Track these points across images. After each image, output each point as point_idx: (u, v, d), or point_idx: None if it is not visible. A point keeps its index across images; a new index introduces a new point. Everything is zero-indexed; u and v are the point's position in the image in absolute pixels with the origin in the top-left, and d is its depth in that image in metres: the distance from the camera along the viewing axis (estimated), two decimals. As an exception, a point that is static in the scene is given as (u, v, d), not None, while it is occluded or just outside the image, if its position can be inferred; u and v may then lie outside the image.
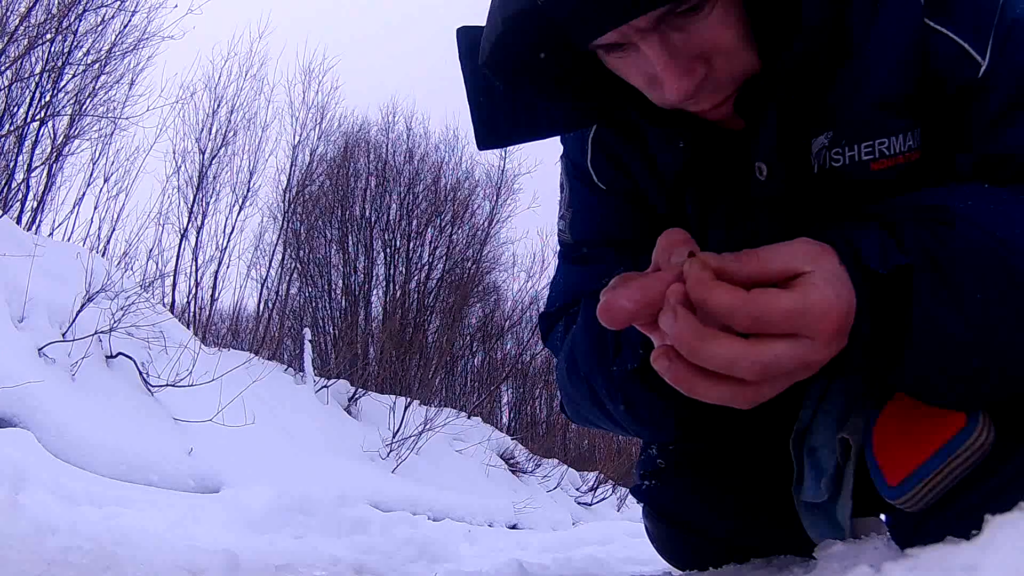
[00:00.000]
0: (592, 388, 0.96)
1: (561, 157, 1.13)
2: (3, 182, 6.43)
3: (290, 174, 9.99)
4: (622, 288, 0.65)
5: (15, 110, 6.48)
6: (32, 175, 6.76)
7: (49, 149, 6.87)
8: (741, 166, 0.85)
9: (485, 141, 0.93)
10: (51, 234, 6.85)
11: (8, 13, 5.97)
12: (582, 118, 0.94)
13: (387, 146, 12.38)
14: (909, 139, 0.80)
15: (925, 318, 0.66)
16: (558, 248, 1.17)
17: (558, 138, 1.11)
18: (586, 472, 10.68)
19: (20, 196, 6.68)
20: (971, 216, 0.69)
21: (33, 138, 6.71)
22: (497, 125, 0.92)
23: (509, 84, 0.84)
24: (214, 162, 8.82)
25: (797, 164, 0.83)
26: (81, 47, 6.97)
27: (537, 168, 12.60)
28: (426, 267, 11.95)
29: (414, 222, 12.05)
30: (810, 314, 0.60)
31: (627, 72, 0.79)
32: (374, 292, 11.67)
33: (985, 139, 0.79)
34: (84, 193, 7.34)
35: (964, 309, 0.66)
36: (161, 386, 4.45)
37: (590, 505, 9.49)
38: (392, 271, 11.80)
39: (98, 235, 7.42)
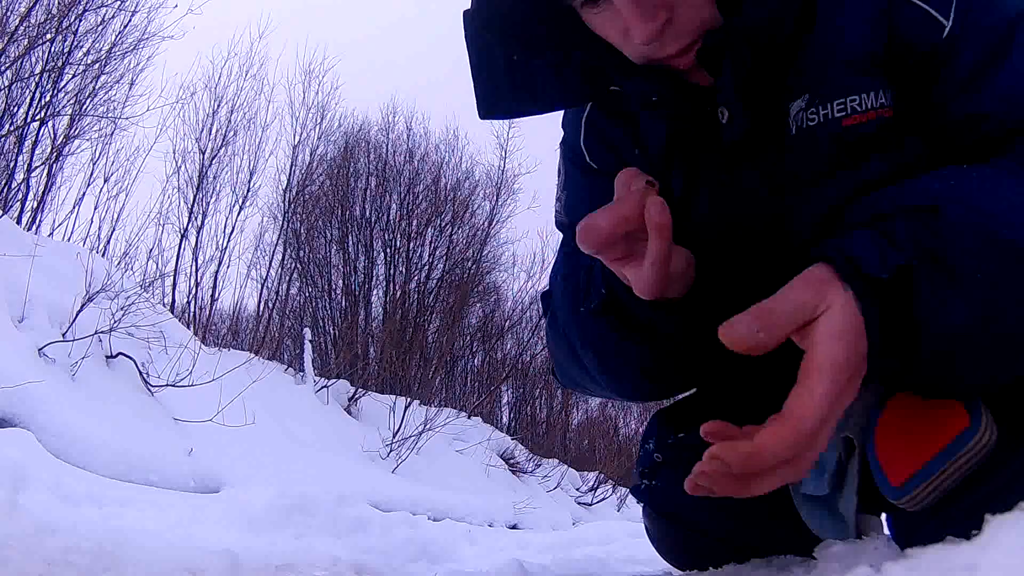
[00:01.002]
0: (570, 342, 0.99)
1: (560, 143, 1.16)
2: (3, 182, 6.43)
3: (290, 174, 10.00)
4: (598, 212, 0.73)
5: (15, 110, 6.48)
6: (32, 175, 6.76)
7: (49, 149, 6.87)
8: (712, 120, 0.88)
9: (486, 111, 0.97)
10: (51, 234, 6.85)
11: (8, 13, 5.97)
12: (577, 95, 0.98)
13: (387, 146, 12.38)
14: (881, 97, 0.83)
15: (929, 311, 0.67)
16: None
17: (559, 133, 1.13)
18: (586, 472, 10.69)
19: (20, 196, 6.68)
20: (956, 197, 0.70)
21: (33, 138, 6.71)
22: (498, 96, 0.96)
23: (500, 43, 0.90)
24: (214, 162, 8.82)
25: (775, 128, 0.87)
26: (81, 47, 6.98)
27: (537, 168, 12.61)
28: (426, 267, 11.95)
29: (414, 222, 12.06)
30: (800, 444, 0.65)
31: (604, 28, 0.84)
32: (374, 292, 11.68)
33: (955, 101, 0.82)
34: (84, 193, 7.35)
35: (965, 292, 0.67)
36: (161, 386, 4.45)
37: (590, 505, 9.49)
38: (392, 271, 11.80)
39: (98, 235, 7.43)
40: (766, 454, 0.64)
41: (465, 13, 0.95)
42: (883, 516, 0.97)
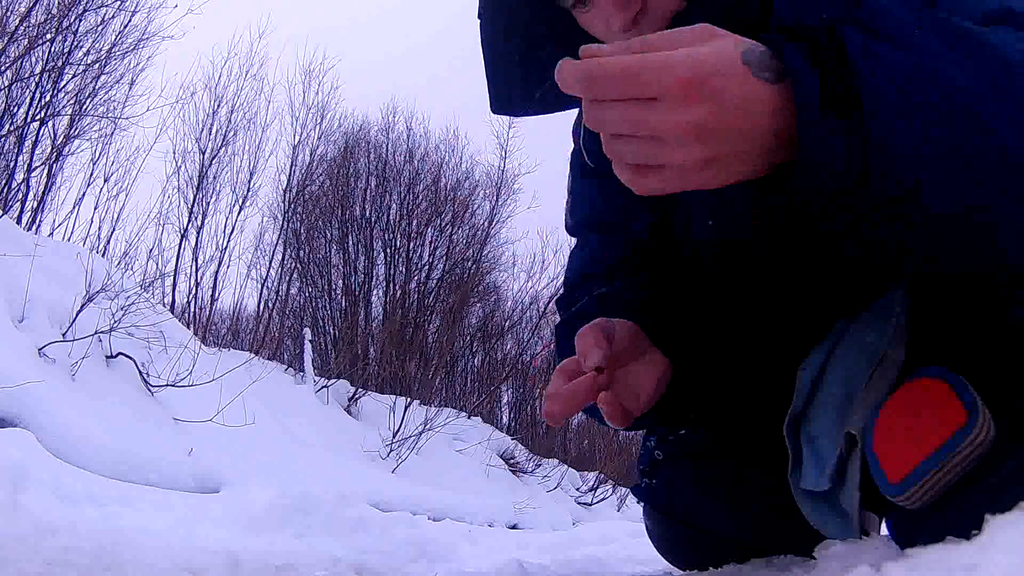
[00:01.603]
0: None
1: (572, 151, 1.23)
2: (3, 182, 6.43)
3: (290, 174, 9.99)
4: (554, 398, 0.87)
5: (15, 110, 6.48)
6: (32, 175, 6.75)
7: (49, 149, 6.87)
8: None
9: (499, 107, 1.04)
10: (51, 234, 6.84)
11: (8, 13, 5.97)
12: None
13: (387, 146, 12.37)
14: None
15: (864, 60, 0.62)
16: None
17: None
18: (586, 472, 10.68)
19: (20, 196, 6.67)
20: None
21: (33, 138, 6.70)
22: (510, 93, 1.03)
23: (506, 40, 0.98)
24: (214, 162, 8.81)
25: None
26: (81, 47, 6.96)
27: (537, 168, 12.61)
28: (426, 267, 11.95)
29: (414, 222, 12.05)
30: (647, 70, 0.59)
31: (592, 25, 0.92)
32: (374, 292, 11.67)
33: None
34: (84, 193, 7.34)
35: (897, 46, 0.64)
36: (161, 386, 4.45)
37: (590, 505, 9.49)
38: (392, 271, 11.79)
39: (98, 235, 7.42)
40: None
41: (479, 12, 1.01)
42: (883, 519, 0.97)
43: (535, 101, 1.03)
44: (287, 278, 10.22)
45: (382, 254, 11.85)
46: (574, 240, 1.27)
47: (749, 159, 0.62)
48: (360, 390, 7.79)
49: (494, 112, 1.06)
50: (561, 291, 1.26)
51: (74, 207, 7.19)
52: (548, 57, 0.98)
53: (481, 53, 1.02)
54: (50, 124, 6.82)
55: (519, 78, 1.02)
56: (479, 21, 1.02)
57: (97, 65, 7.12)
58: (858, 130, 0.60)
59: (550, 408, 0.88)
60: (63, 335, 4.05)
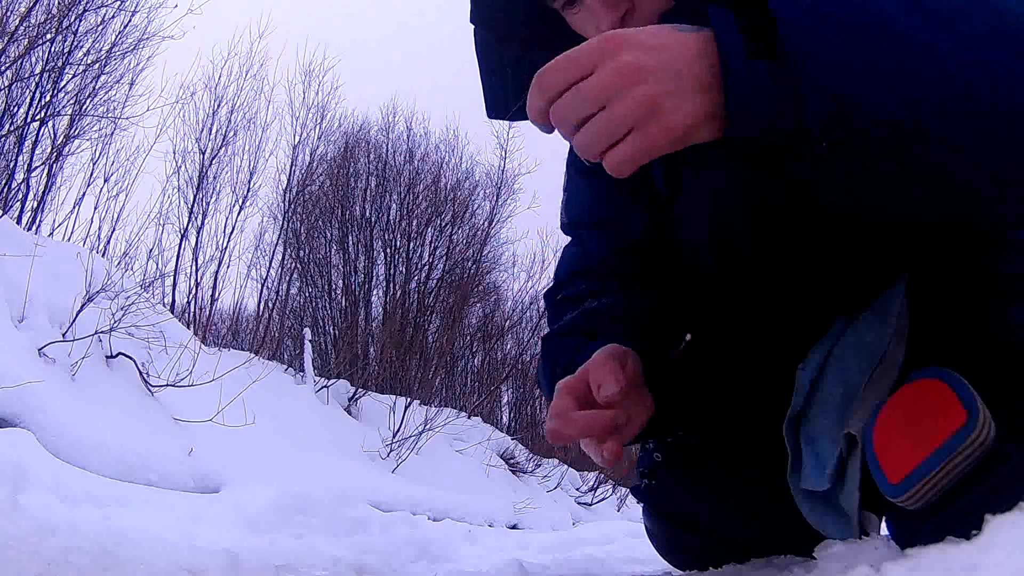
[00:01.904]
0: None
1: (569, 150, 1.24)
2: (3, 182, 6.42)
3: (290, 174, 9.98)
4: (565, 421, 0.90)
5: (15, 110, 6.47)
6: (32, 175, 6.75)
7: (49, 149, 6.86)
8: None
9: (494, 112, 1.07)
10: (51, 234, 6.83)
11: (8, 13, 5.96)
12: None
13: (387, 146, 12.36)
14: None
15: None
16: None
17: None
18: (586, 472, 10.67)
19: (20, 196, 6.67)
20: None
21: (33, 138, 6.70)
22: (505, 98, 1.05)
23: (498, 42, 1.01)
24: (214, 162, 8.80)
25: None
26: (81, 47, 6.96)
27: (537, 168, 12.60)
28: (426, 267, 11.94)
29: (414, 222, 12.05)
30: (576, 52, 0.67)
31: (582, 26, 0.94)
32: (374, 292, 11.66)
33: None
34: (84, 193, 7.33)
35: None
36: (161, 386, 4.44)
37: (590, 505, 9.49)
38: (392, 271, 11.79)
39: (98, 235, 7.40)
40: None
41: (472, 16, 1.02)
42: (883, 519, 0.97)
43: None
44: (287, 278, 10.21)
45: (382, 254, 11.85)
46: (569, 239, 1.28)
47: (689, 97, 0.65)
48: (360, 390, 7.78)
49: (489, 118, 1.08)
50: (551, 284, 1.28)
51: (74, 207, 7.19)
52: (541, 62, 0.98)
53: (476, 58, 1.04)
54: (50, 124, 6.82)
55: (513, 84, 1.03)
56: (472, 27, 1.03)
57: (97, 65, 7.12)
58: (785, 69, 0.64)
59: (559, 430, 0.90)
60: (63, 335, 4.04)
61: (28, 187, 6.70)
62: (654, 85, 0.64)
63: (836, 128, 0.64)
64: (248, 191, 9.12)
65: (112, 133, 7.41)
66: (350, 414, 7.40)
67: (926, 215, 0.76)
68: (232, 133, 9.03)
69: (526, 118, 1.10)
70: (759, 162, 0.69)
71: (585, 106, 0.67)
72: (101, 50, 7.16)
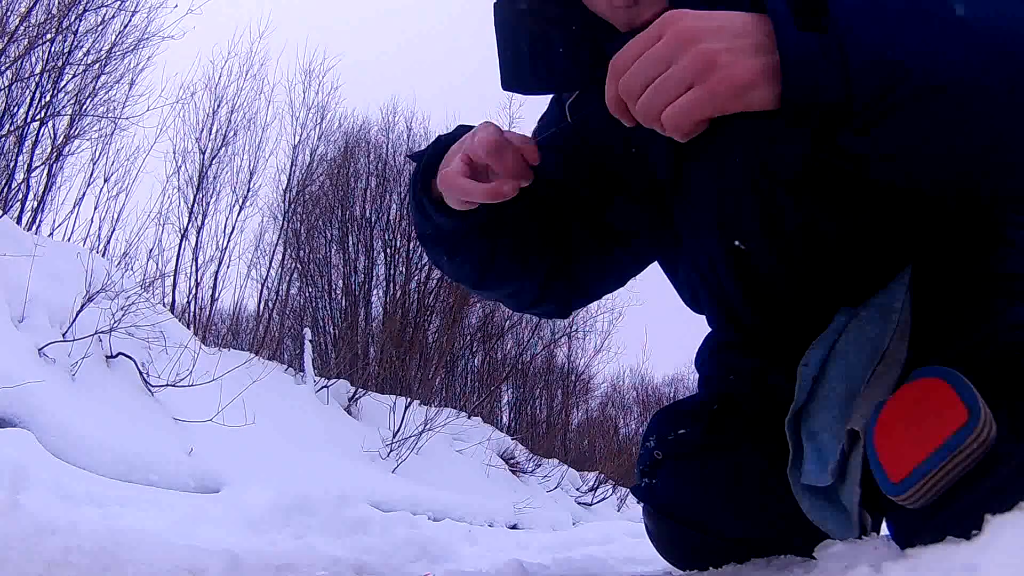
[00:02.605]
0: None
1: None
2: (3, 182, 6.42)
3: (290, 174, 9.99)
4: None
5: (15, 110, 6.47)
6: (32, 175, 6.75)
7: (49, 149, 6.86)
8: None
9: (509, 84, 1.09)
10: (51, 234, 6.83)
11: (8, 13, 5.96)
12: (587, 76, 1.07)
13: (387, 146, 12.37)
14: None
15: None
16: None
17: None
18: (586, 472, 10.69)
19: (20, 196, 6.67)
20: None
21: (33, 138, 6.70)
22: (519, 71, 1.08)
23: (517, 18, 1.04)
24: (214, 162, 8.81)
25: None
26: (81, 47, 6.96)
27: (537, 168, 12.54)
28: (426, 267, 11.92)
29: (414, 222, 12.04)
30: (643, 34, 0.72)
31: (597, 5, 0.97)
32: (374, 292, 11.66)
33: None
34: (84, 193, 7.33)
35: None
36: (161, 386, 4.45)
37: (590, 505, 9.49)
38: (392, 271, 11.79)
39: (98, 235, 7.41)
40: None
41: None
42: (883, 521, 0.97)
43: (543, 80, 1.08)
44: (287, 278, 10.22)
45: (382, 254, 11.85)
46: None
47: (748, 55, 0.69)
48: (360, 390, 7.78)
49: (504, 89, 1.09)
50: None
51: (74, 207, 7.19)
52: (557, 38, 1.04)
53: (494, 33, 1.07)
54: (50, 124, 6.82)
55: (528, 58, 1.06)
56: (494, 5, 1.06)
57: (97, 65, 7.12)
58: (835, 41, 0.68)
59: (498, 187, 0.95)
60: (63, 335, 4.05)
61: (28, 187, 6.70)
62: (714, 42, 0.69)
63: (886, 95, 0.68)
64: (248, 191, 9.14)
65: (112, 133, 7.42)
66: (350, 414, 7.40)
67: (967, 178, 0.80)
68: (232, 133, 9.04)
69: (538, 91, 1.14)
70: (812, 132, 0.73)
71: (650, 70, 0.71)
72: (101, 50, 7.17)
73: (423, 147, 1.13)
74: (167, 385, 4.46)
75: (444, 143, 1.07)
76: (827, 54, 0.68)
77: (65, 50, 6.73)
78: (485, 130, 0.97)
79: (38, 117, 6.61)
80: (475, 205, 0.99)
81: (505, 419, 13.57)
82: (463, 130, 1.06)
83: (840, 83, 0.68)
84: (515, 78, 1.08)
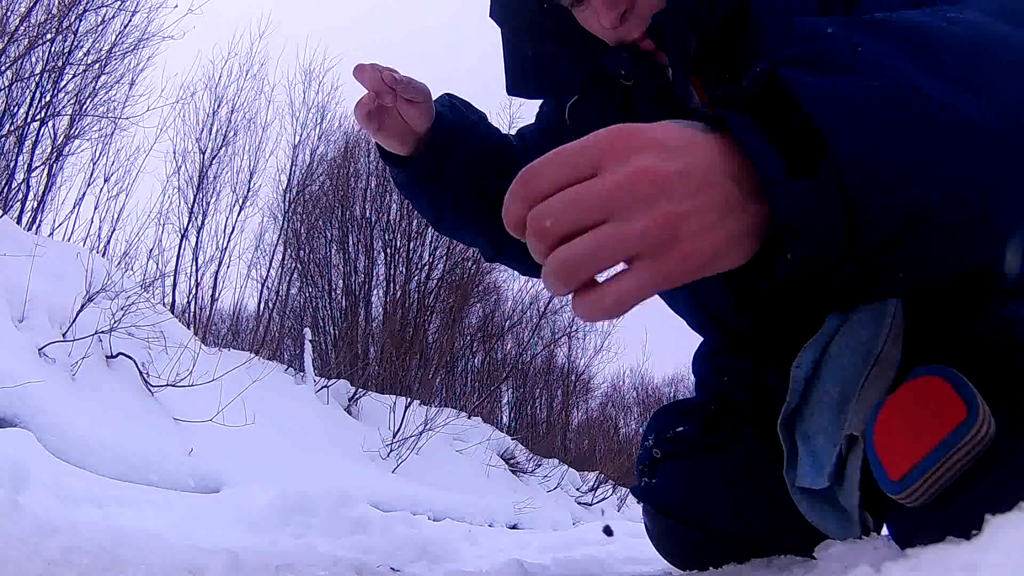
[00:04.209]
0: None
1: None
2: (3, 182, 6.42)
3: (290, 174, 10.00)
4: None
5: (15, 110, 6.47)
6: (32, 175, 6.75)
7: (49, 149, 6.87)
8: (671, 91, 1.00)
9: (513, 89, 1.14)
10: (51, 234, 6.84)
11: (8, 13, 5.96)
12: (585, 84, 1.11)
13: (387, 146, 12.35)
14: None
15: (815, 96, 0.55)
16: None
17: None
18: (586, 472, 10.69)
19: (20, 196, 6.67)
20: (812, 23, 0.62)
21: (33, 138, 6.70)
22: (524, 77, 1.13)
23: (515, 35, 1.09)
24: (214, 162, 8.81)
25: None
26: (81, 47, 6.97)
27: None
28: (426, 267, 11.94)
29: (414, 222, 12.04)
30: (578, 147, 0.53)
31: (588, 22, 1.00)
32: (374, 292, 11.67)
33: None
34: (84, 193, 7.34)
35: (849, 68, 0.57)
36: (161, 386, 4.45)
37: (590, 505, 9.49)
38: (392, 271, 11.79)
39: (98, 235, 7.42)
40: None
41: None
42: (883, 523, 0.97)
43: (546, 86, 1.14)
44: (287, 278, 10.22)
45: (382, 254, 11.85)
46: None
47: (717, 219, 0.53)
48: (360, 390, 7.79)
49: (509, 94, 1.15)
50: None
51: (74, 207, 7.20)
52: (556, 48, 1.08)
53: (500, 40, 1.12)
54: (50, 124, 6.82)
55: (532, 64, 1.11)
56: (492, 20, 1.11)
57: (97, 65, 7.12)
58: (837, 188, 0.55)
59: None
60: (63, 335, 4.05)
61: (28, 187, 6.71)
62: (678, 201, 0.52)
63: (899, 237, 0.58)
64: (248, 191, 9.14)
65: (112, 133, 7.43)
66: (350, 414, 7.40)
67: (972, 265, 0.75)
68: (232, 133, 9.05)
69: (541, 96, 1.19)
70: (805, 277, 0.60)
71: (581, 215, 0.52)
72: (101, 50, 7.17)
73: None
74: (167, 385, 4.46)
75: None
76: (829, 206, 0.55)
77: (65, 50, 6.74)
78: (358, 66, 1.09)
79: (38, 117, 6.61)
80: (404, 150, 1.17)
81: (505, 419, 13.59)
82: (450, 97, 1.23)
83: (843, 236, 0.56)
84: (519, 83, 1.13)
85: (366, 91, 1.10)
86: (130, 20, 7.40)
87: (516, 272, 1.44)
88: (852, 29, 0.61)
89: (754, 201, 0.55)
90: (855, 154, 0.54)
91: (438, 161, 1.20)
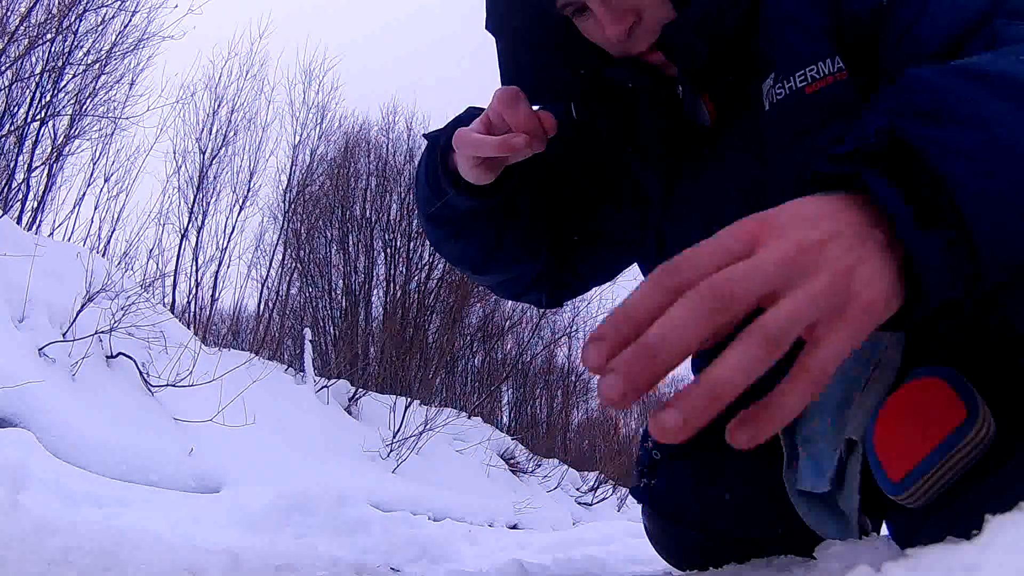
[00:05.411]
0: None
1: None
2: (3, 182, 6.43)
3: (290, 174, 10.00)
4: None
5: (15, 110, 6.48)
6: (32, 175, 6.76)
7: (49, 149, 6.87)
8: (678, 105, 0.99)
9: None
10: (51, 234, 6.85)
11: (8, 13, 5.97)
12: (586, 92, 1.08)
13: (387, 146, 12.37)
14: (838, 62, 0.87)
15: (937, 149, 0.56)
16: None
17: None
18: (586, 472, 10.69)
19: (20, 196, 6.68)
20: (920, 72, 0.64)
21: (33, 138, 6.71)
22: (521, 85, 1.05)
23: (514, 45, 1.04)
24: (214, 162, 8.82)
25: (751, 107, 0.94)
26: (81, 47, 6.97)
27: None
28: (426, 267, 11.94)
29: (414, 222, 12.05)
30: (701, 247, 0.51)
31: (591, 33, 0.97)
32: (374, 292, 11.67)
33: (894, 58, 0.83)
34: (84, 193, 7.35)
35: (964, 120, 0.59)
36: (161, 386, 4.45)
37: (590, 505, 9.49)
38: (392, 271, 11.79)
39: (98, 235, 7.43)
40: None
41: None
42: (883, 523, 0.97)
43: (547, 91, 1.09)
44: (287, 278, 10.22)
45: (382, 254, 11.86)
46: None
47: (880, 262, 0.53)
48: (360, 390, 7.79)
49: None
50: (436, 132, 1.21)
51: (74, 207, 7.21)
52: (555, 57, 1.05)
53: (498, 59, 1.08)
54: (50, 124, 6.82)
55: (530, 71, 1.07)
56: (489, 32, 1.06)
57: (97, 65, 7.12)
58: (961, 235, 0.55)
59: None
60: (63, 335, 4.05)
61: (28, 187, 6.71)
62: (843, 257, 0.51)
63: (1011, 284, 0.60)
64: (248, 191, 9.15)
65: (112, 133, 7.43)
66: (350, 414, 7.40)
67: None
68: (232, 133, 9.05)
69: (541, 101, 1.12)
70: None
71: (761, 284, 0.49)
72: (101, 50, 7.18)
73: (436, 129, 1.15)
74: (167, 385, 4.46)
75: (463, 122, 1.06)
76: (955, 255, 0.55)
77: (65, 50, 6.74)
78: (503, 87, 0.97)
79: (38, 117, 6.61)
80: (490, 178, 0.98)
81: (505, 419, 13.58)
82: (476, 111, 1.03)
83: (966, 282, 0.57)
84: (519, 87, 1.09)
85: (495, 113, 0.95)
86: (130, 20, 7.41)
87: (536, 306, 1.36)
88: (958, 78, 0.63)
89: (888, 251, 0.54)
90: (983, 205, 0.55)
91: (515, 188, 1.07)
